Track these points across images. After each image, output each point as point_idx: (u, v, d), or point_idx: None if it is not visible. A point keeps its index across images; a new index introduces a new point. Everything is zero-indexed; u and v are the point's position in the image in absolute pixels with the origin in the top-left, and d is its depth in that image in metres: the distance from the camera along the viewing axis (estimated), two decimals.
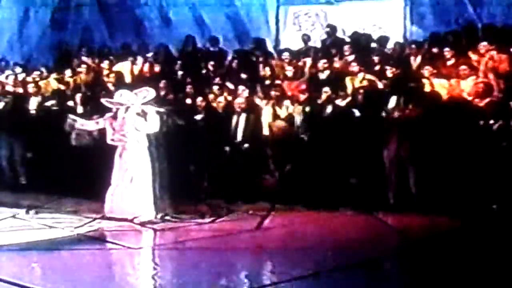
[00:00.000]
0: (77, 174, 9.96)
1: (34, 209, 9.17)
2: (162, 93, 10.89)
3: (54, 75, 12.79)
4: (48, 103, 11.30)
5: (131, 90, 8.82)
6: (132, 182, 8.47)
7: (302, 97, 10.35)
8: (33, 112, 11.38)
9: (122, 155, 8.56)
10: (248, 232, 7.99)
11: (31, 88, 11.89)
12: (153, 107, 8.62)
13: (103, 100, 8.91)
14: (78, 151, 10.41)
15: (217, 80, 11.53)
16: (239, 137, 9.93)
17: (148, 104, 8.60)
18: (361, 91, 9.88)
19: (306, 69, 11.68)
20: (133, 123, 8.50)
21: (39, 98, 11.62)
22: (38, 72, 12.91)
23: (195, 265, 6.80)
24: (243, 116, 10.01)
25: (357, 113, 9.43)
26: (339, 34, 12.97)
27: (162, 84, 11.15)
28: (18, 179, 11.10)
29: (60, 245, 7.41)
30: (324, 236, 7.74)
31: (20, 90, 12.12)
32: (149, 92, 8.66)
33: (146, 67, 12.84)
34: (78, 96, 11.12)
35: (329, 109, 9.62)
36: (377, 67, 10.91)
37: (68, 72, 12.71)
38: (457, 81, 9.89)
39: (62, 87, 12.29)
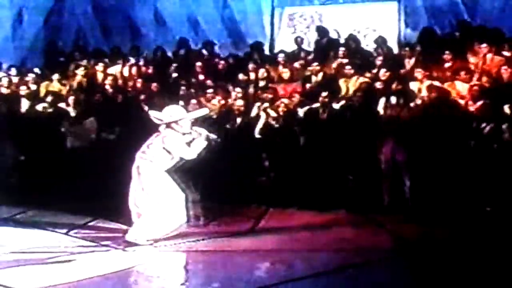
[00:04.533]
0: (72, 175, 9.97)
1: (29, 212, 9.17)
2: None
3: (48, 78, 12.75)
4: (41, 106, 11.27)
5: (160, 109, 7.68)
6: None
7: (297, 99, 10.37)
8: (26, 114, 11.36)
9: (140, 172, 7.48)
10: (242, 234, 7.97)
11: (24, 90, 11.87)
12: (204, 130, 7.68)
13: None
14: (72, 152, 10.45)
15: (210, 82, 11.52)
16: (234, 139, 9.93)
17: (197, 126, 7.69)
18: (356, 93, 9.90)
19: (301, 71, 11.69)
20: (171, 144, 7.40)
21: (32, 101, 11.60)
22: (33, 75, 12.87)
23: (190, 267, 6.83)
24: (238, 118, 10.02)
25: (352, 114, 9.46)
26: (333, 36, 12.99)
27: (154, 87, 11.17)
28: (12, 181, 11.08)
29: (55, 247, 7.39)
30: (318, 238, 7.74)
31: (14, 92, 12.09)
32: (201, 113, 7.83)
33: (139, 70, 12.82)
34: (71, 99, 11.12)
35: (324, 111, 9.63)
36: (371, 69, 10.93)
37: (62, 75, 12.69)
38: (451, 84, 9.92)
39: (56, 89, 12.26)
